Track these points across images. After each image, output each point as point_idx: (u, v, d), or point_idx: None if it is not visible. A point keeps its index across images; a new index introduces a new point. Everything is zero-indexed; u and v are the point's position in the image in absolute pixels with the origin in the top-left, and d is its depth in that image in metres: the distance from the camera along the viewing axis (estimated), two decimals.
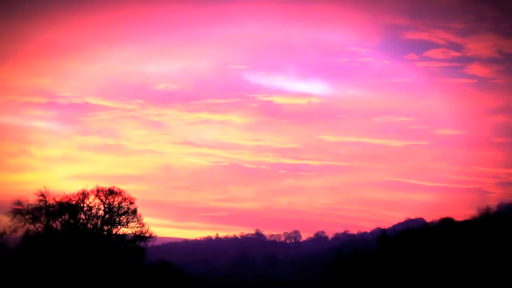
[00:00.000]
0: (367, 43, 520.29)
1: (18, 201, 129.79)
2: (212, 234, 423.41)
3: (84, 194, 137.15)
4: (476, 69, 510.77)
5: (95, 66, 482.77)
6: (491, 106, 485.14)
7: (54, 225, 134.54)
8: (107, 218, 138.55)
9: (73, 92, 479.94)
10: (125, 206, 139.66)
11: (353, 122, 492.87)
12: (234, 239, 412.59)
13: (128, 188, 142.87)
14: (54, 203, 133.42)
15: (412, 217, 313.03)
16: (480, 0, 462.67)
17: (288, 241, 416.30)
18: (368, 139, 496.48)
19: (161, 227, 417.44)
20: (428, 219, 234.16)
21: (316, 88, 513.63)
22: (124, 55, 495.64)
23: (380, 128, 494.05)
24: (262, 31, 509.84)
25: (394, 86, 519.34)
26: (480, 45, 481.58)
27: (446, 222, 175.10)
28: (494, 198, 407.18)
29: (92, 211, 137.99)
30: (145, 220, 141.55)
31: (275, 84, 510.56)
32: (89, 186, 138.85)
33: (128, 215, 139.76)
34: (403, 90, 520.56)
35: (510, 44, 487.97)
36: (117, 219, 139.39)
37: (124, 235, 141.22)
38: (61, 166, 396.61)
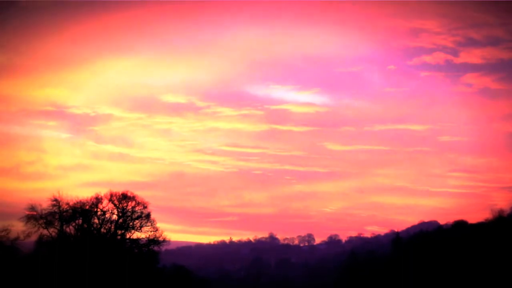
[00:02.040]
0: (372, 51, 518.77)
1: (32, 206, 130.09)
2: (226, 238, 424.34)
3: (98, 199, 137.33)
4: (479, 77, 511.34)
5: (103, 76, 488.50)
6: (495, 112, 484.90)
7: (67, 229, 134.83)
8: (120, 222, 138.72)
9: (84, 102, 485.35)
10: (138, 211, 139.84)
11: (358, 130, 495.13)
12: (248, 243, 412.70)
13: (141, 195, 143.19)
14: (68, 208, 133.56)
15: (426, 220, 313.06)
16: (485, 9, 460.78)
17: (301, 245, 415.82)
18: (374, 146, 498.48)
19: (175, 233, 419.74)
20: (442, 222, 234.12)
21: (321, 97, 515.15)
22: (132, 66, 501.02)
23: (385, 135, 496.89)
24: (266, 41, 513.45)
25: (398, 94, 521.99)
26: (482, 53, 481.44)
27: (460, 225, 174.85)
28: (501, 202, 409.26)
29: (106, 215, 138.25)
30: (159, 225, 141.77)
31: (281, 93, 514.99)
32: (103, 191, 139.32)
33: (141, 220, 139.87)
34: (406, 98, 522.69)
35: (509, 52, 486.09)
36: (131, 224, 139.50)
37: (137, 239, 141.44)
38: (76, 174, 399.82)
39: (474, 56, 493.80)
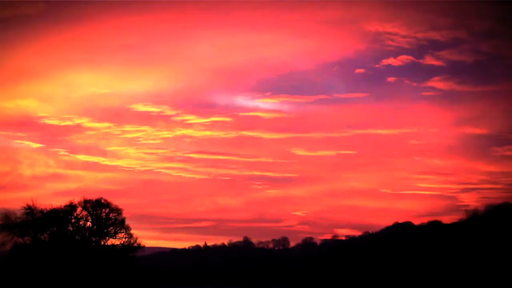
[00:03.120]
0: (337, 57, 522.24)
1: (6, 214, 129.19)
2: (201, 243, 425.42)
3: (72, 206, 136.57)
4: (444, 80, 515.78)
5: (71, 87, 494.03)
6: (461, 115, 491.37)
7: (42, 237, 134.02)
8: (95, 229, 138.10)
9: (55, 112, 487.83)
10: (112, 217, 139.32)
11: (326, 135, 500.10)
12: (222, 247, 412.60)
13: (115, 202, 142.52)
14: (41, 216, 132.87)
15: (400, 221, 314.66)
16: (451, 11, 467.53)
17: (276, 248, 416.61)
18: (342, 151, 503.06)
19: (150, 240, 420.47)
20: (416, 223, 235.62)
21: (288, 104, 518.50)
22: (101, 77, 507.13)
23: (352, 140, 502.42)
24: (234, 49, 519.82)
25: (365, 99, 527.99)
26: (448, 56, 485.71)
27: (434, 225, 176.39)
28: (470, 203, 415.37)
29: (80, 222, 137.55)
30: (134, 232, 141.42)
31: (249, 101, 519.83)
32: (77, 199, 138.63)
33: (116, 226, 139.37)
34: (373, 102, 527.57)
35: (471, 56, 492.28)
36: (105, 230, 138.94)
37: (112, 246, 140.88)
38: (51, 184, 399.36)
39: (439, 59, 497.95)
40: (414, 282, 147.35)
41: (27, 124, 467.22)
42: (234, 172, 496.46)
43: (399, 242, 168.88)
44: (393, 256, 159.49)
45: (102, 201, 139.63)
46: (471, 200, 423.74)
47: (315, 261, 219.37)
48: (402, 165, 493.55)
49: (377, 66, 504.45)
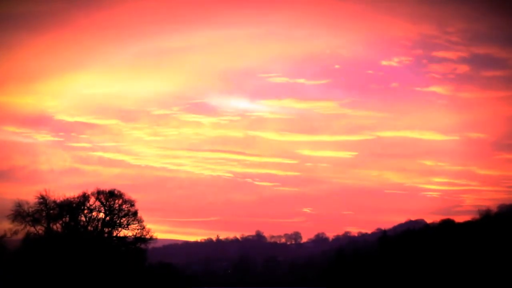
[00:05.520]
0: (343, 58, 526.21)
1: (19, 203, 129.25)
2: (213, 236, 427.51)
3: (85, 197, 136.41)
4: (449, 84, 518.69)
5: (86, 86, 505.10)
6: (465, 120, 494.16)
7: (54, 227, 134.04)
8: (107, 220, 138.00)
9: (71, 110, 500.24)
10: (125, 208, 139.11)
11: (332, 137, 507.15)
12: (235, 241, 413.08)
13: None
14: (55, 206, 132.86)
15: (413, 218, 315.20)
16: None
17: (288, 243, 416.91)
18: (346, 151, 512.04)
19: (162, 233, 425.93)
20: (429, 221, 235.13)
21: (293, 106, 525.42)
22: (115, 77, 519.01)
23: (357, 141, 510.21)
24: (241, 53, 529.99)
25: (370, 102, 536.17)
26: (455, 63, 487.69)
27: (447, 224, 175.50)
28: (475, 203, 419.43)
29: (93, 213, 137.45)
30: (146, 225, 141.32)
31: (254, 102, 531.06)
32: (90, 190, 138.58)
33: (128, 217, 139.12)
34: (379, 105, 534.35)
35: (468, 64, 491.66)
36: (118, 221, 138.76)
37: (124, 237, 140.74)
38: (66, 178, 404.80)
39: (444, 66, 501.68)
40: (431, 279, 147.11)
41: (40, 120, 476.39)
42: (243, 169, 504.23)
43: (414, 240, 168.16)
44: (409, 254, 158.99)
45: (115, 192, 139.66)
46: (473, 202, 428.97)
47: (331, 256, 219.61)
48: (406, 167, 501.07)
49: (382, 70, 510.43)
